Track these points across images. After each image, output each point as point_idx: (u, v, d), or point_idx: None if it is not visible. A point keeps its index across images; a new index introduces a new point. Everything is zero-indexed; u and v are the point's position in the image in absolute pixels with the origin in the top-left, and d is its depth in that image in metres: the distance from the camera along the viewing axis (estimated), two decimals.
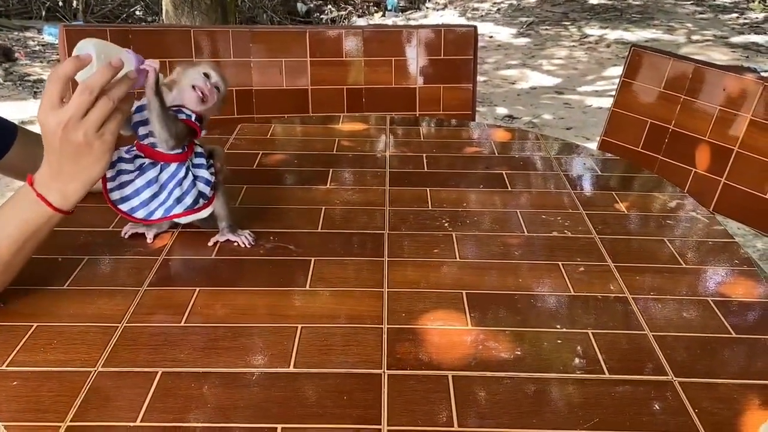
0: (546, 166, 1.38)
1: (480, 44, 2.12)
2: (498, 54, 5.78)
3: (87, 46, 0.82)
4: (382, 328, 0.84)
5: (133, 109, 0.93)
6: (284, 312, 0.87)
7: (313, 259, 0.99)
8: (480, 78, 4.53)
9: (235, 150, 1.43)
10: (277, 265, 0.98)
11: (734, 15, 7.09)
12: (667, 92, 1.69)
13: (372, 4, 7.34)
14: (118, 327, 0.83)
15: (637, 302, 0.91)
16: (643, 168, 1.47)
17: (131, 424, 0.68)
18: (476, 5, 7.78)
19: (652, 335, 0.84)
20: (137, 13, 6.52)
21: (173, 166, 0.97)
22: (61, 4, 6.43)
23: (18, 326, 0.82)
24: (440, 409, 0.71)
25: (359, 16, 7.11)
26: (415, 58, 1.90)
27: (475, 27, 1.93)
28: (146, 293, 0.90)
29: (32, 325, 0.82)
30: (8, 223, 0.83)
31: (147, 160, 0.96)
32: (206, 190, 0.99)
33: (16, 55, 5.17)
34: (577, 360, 0.79)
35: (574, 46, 6.04)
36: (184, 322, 0.84)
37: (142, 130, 0.95)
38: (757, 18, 6.95)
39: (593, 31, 6.54)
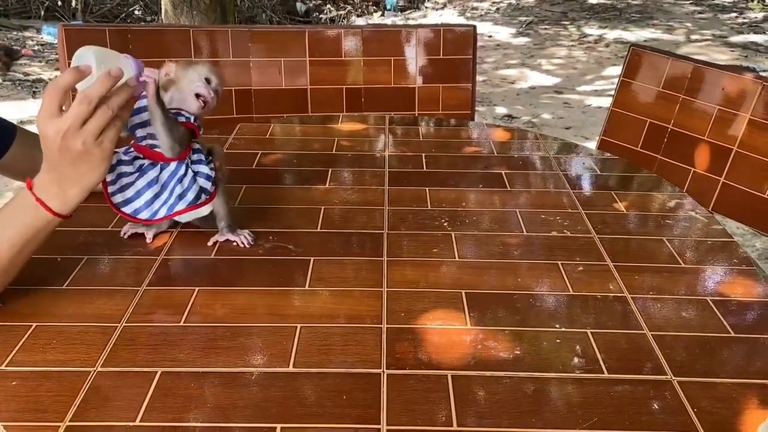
0: (545, 166, 1.38)
1: (479, 44, 2.12)
2: (497, 53, 5.78)
3: (86, 54, 0.81)
4: (381, 327, 0.84)
5: None
6: (283, 312, 0.87)
7: (312, 258, 0.99)
8: (479, 78, 4.54)
9: (234, 150, 1.43)
10: (277, 264, 0.98)
11: (733, 14, 7.10)
12: (666, 92, 1.69)
13: (371, 3, 7.34)
14: (117, 327, 0.83)
15: (636, 302, 0.91)
16: (642, 167, 1.47)
17: (130, 423, 0.68)
18: (475, 5, 7.78)
19: (651, 335, 0.84)
20: (136, 12, 6.51)
21: (173, 164, 0.97)
22: (60, 3, 6.43)
23: (17, 326, 0.82)
24: (439, 408, 0.71)
25: (358, 16, 7.11)
26: (414, 57, 1.90)
27: (474, 26, 1.93)
28: (145, 293, 0.90)
29: (31, 325, 0.82)
30: (7, 227, 0.83)
31: (146, 161, 0.97)
32: (207, 185, 0.99)
33: (23, 52, 5.14)
34: (576, 359, 0.79)
35: (573, 45, 6.04)
36: (184, 322, 0.84)
37: (140, 132, 0.96)
38: (756, 17, 6.96)
39: (592, 30, 6.55)
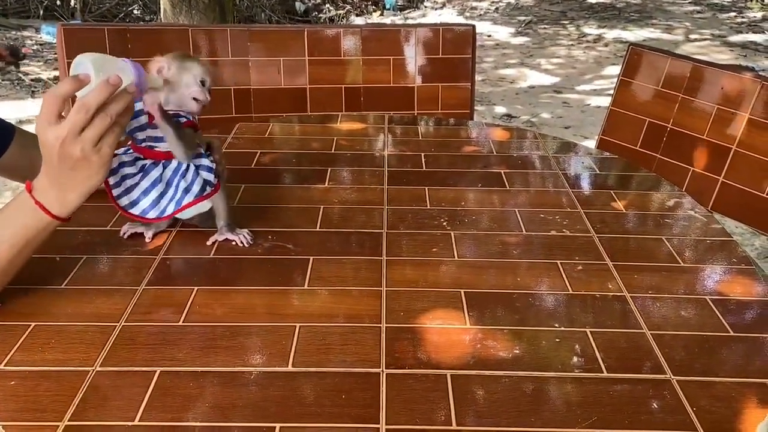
0: (544, 165, 1.38)
1: (478, 43, 2.12)
2: (496, 53, 5.78)
3: (84, 62, 0.81)
4: (380, 327, 0.84)
5: None
6: (282, 311, 0.87)
7: (311, 258, 0.99)
8: (478, 77, 4.53)
9: (234, 149, 1.42)
10: (276, 264, 0.98)
11: (732, 14, 7.10)
12: (666, 91, 1.69)
13: (370, 3, 7.34)
14: (116, 326, 0.83)
15: (635, 301, 0.91)
16: (642, 167, 1.47)
17: (129, 423, 0.68)
18: (474, 4, 7.78)
19: (650, 334, 0.84)
20: (135, 12, 6.51)
21: (174, 161, 0.98)
22: (58, 3, 6.42)
23: (16, 326, 0.82)
24: (438, 408, 0.71)
25: (357, 15, 7.11)
26: (413, 57, 1.90)
27: (473, 26, 1.93)
28: (144, 292, 0.90)
29: (30, 325, 0.82)
30: (6, 228, 0.84)
31: (148, 161, 0.97)
32: (210, 177, 1.00)
33: (23, 51, 5.13)
34: (575, 359, 0.79)
35: (572, 45, 6.04)
36: (183, 322, 0.84)
37: (140, 135, 0.96)
38: (755, 17, 6.96)
39: (591, 30, 6.55)
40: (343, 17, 6.92)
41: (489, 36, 6.34)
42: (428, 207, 1.17)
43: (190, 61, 0.97)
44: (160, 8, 4.41)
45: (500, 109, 4.36)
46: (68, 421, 0.68)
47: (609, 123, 1.81)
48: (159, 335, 0.81)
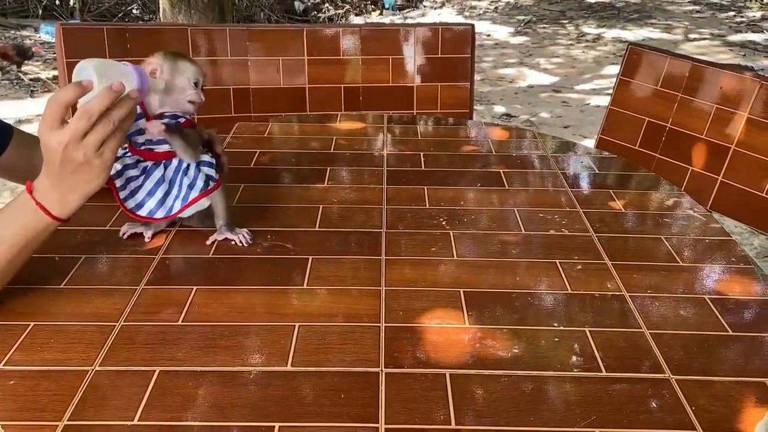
0: (543, 165, 1.38)
1: (477, 43, 2.12)
2: (495, 52, 5.78)
3: (86, 68, 0.81)
4: (379, 326, 0.84)
5: None
6: (282, 311, 0.87)
7: (310, 257, 0.99)
8: (477, 76, 4.53)
9: (233, 149, 1.42)
10: (275, 263, 0.98)
11: (731, 13, 7.10)
12: (665, 90, 1.69)
13: (369, 2, 7.33)
14: (115, 326, 0.83)
15: (634, 300, 0.91)
16: (641, 166, 1.47)
17: (129, 422, 0.68)
18: (474, 3, 7.78)
19: (649, 333, 0.84)
20: (134, 11, 6.50)
21: (175, 160, 0.99)
22: (57, 2, 6.42)
23: (15, 325, 0.82)
24: (438, 407, 0.71)
25: (357, 15, 7.11)
26: (412, 56, 1.90)
27: (473, 25, 1.93)
28: (144, 292, 0.90)
29: (29, 324, 0.82)
30: (5, 229, 0.84)
31: (149, 162, 0.98)
32: (211, 172, 1.00)
33: (33, 50, 5.12)
34: (574, 358, 0.79)
35: (571, 44, 6.04)
36: (182, 321, 0.84)
37: (140, 139, 0.97)
38: (754, 16, 6.96)
39: (591, 29, 6.55)
40: (342, 17, 6.92)
41: (488, 35, 6.34)
42: (427, 206, 1.17)
43: (182, 61, 0.97)
44: (159, 8, 4.40)
45: (499, 109, 4.36)
46: (67, 420, 0.68)
47: (608, 122, 1.81)
48: (158, 335, 0.81)
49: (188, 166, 0.99)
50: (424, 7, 7.62)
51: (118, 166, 0.96)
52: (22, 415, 0.68)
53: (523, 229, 1.10)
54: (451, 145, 1.49)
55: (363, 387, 0.73)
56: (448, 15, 7.31)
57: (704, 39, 6.15)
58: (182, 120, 0.98)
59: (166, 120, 0.97)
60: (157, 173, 0.98)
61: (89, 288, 0.90)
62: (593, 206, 1.19)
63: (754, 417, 0.70)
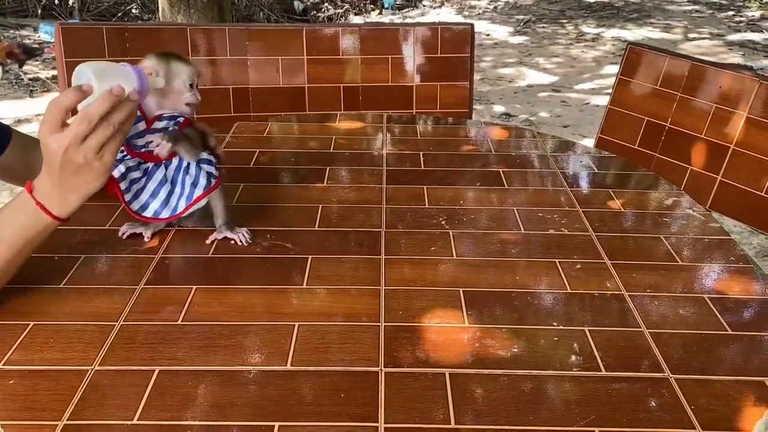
0: (543, 164, 1.38)
1: (476, 42, 2.12)
2: (495, 52, 5.78)
3: (85, 71, 0.81)
4: (379, 326, 0.84)
5: None
6: (281, 310, 0.87)
7: (310, 257, 0.99)
8: (477, 76, 4.53)
9: (232, 148, 1.42)
10: (274, 263, 0.98)
11: (731, 13, 7.10)
12: (664, 90, 1.69)
13: (369, 2, 7.33)
14: (114, 325, 0.83)
15: (633, 299, 0.91)
16: (640, 165, 1.47)
17: (128, 422, 0.68)
18: (473, 3, 7.78)
19: (649, 332, 0.84)
20: (133, 11, 6.50)
21: (175, 160, 0.99)
22: (56, 2, 6.41)
23: (15, 325, 0.82)
24: (437, 406, 0.71)
25: (356, 14, 7.11)
26: (411, 56, 1.90)
27: (472, 25, 1.93)
28: (143, 291, 0.90)
29: (29, 324, 0.82)
30: (5, 229, 0.84)
31: (150, 164, 0.98)
32: (212, 169, 1.01)
33: (47, 50, 5.10)
34: (573, 357, 0.79)
35: (570, 44, 6.04)
36: (181, 321, 0.84)
37: (139, 141, 0.97)
38: (753, 16, 6.97)
39: (590, 29, 6.55)
40: (341, 16, 6.92)
41: (487, 35, 6.34)
42: (427, 206, 1.17)
43: (175, 63, 0.97)
44: (158, 7, 4.40)
45: (499, 108, 4.36)
46: (67, 420, 0.68)
47: (607, 122, 1.81)
48: (158, 334, 0.81)
49: (189, 164, 0.99)
50: (424, 6, 7.62)
51: (122, 168, 0.96)
52: (22, 415, 0.68)
53: (522, 228, 1.10)
54: (450, 144, 1.49)
55: (362, 386, 0.74)
56: (448, 14, 7.31)
57: (704, 38, 6.15)
58: (181, 120, 0.98)
59: (164, 122, 0.97)
60: (159, 174, 0.99)
61: (89, 287, 0.90)
62: (592, 206, 1.19)
63: (753, 416, 0.70)
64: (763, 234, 1.63)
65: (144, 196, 0.99)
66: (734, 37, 6.16)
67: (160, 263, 0.97)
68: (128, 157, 0.98)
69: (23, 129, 1.12)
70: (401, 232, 1.07)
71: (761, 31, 6.34)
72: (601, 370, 0.77)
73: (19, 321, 0.83)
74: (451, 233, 1.07)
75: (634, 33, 6.35)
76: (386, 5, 7.32)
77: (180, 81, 0.97)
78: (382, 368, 0.76)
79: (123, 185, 0.97)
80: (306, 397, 0.72)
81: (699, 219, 1.16)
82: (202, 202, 1.00)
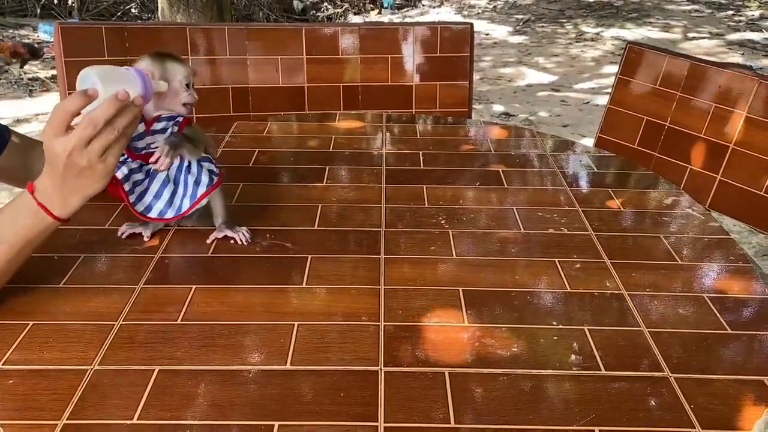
0: (542, 164, 1.38)
1: (476, 42, 2.12)
2: (494, 52, 5.78)
3: (90, 75, 0.81)
4: (378, 325, 0.84)
5: None
6: (281, 309, 0.87)
7: (309, 256, 0.99)
8: (476, 76, 4.53)
9: (232, 148, 1.42)
10: (274, 262, 0.98)
11: (730, 12, 7.10)
12: (663, 89, 1.69)
13: (368, 1, 7.33)
14: (114, 325, 0.83)
15: (633, 299, 0.91)
16: (639, 165, 1.47)
17: (128, 421, 0.68)
18: (472, 2, 7.78)
19: (648, 332, 0.84)
20: (133, 10, 6.50)
21: (176, 160, 0.99)
22: (55, 1, 6.41)
23: (14, 324, 0.82)
24: (437, 406, 0.71)
25: (355, 14, 7.11)
26: (411, 55, 1.90)
27: (471, 24, 1.93)
28: (143, 291, 0.90)
29: (28, 323, 0.82)
30: (6, 229, 0.84)
31: (152, 165, 0.98)
32: (212, 166, 1.02)
33: (45, 50, 5.10)
34: (573, 356, 0.79)
35: (570, 43, 6.04)
36: (181, 320, 0.84)
37: (140, 144, 0.97)
38: (753, 15, 6.97)
39: (589, 28, 6.55)
40: (341, 16, 6.92)
41: (487, 35, 6.34)
42: (426, 205, 1.17)
43: (170, 63, 0.97)
44: (157, 7, 4.40)
45: (498, 108, 4.36)
46: (66, 419, 0.68)
47: (607, 121, 1.81)
48: (157, 334, 0.81)
49: (190, 163, 1.00)
50: (423, 6, 7.62)
51: (125, 170, 0.96)
52: (22, 415, 0.68)
53: (522, 227, 1.10)
54: (450, 144, 1.49)
55: (362, 386, 0.74)
56: (447, 14, 7.31)
57: (703, 38, 6.15)
58: (180, 119, 0.98)
59: (163, 123, 0.97)
60: (161, 175, 0.99)
61: (88, 287, 0.90)
62: (592, 205, 1.19)
63: (753, 415, 0.70)
64: (763, 233, 1.63)
65: (148, 198, 0.99)
66: (734, 36, 6.16)
67: (160, 263, 0.97)
68: (129, 160, 0.98)
69: (22, 129, 1.12)
70: (401, 232, 1.07)
71: (761, 31, 6.34)
72: (600, 370, 0.77)
73: (19, 320, 0.83)
74: (450, 233, 1.07)
75: (634, 32, 6.35)
76: (385, 5, 7.32)
77: (176, 82, 0.97)
78: (382, 367, 0.76)
79: (126, 186, 0.97)
80: (306, 396, 0.72)
81: (698, 218, 1.16)
82: (205, 201, 1.01)
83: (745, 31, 6.37)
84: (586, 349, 0.81)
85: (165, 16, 4.11)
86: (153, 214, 1.00)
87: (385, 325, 0.84)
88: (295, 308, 0.87)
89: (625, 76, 1.76)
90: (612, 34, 6.31)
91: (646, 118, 1.72)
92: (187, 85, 0.98)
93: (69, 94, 1.66)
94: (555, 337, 0.83)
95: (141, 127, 0.96)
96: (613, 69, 2.04)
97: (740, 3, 7.47)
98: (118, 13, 6.39)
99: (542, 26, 6.69)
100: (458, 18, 7.06)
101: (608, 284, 0.94)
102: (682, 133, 1.65)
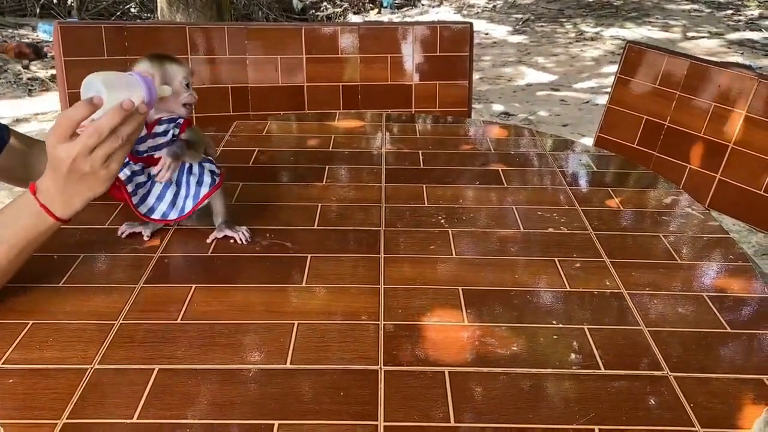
0: (542, 163, 1.38)
1: (475, 41, 2.12)
2: (494, 51, 5.78)
3: (94, 82, 0.81)
4: (378, 324, 0.84)
5: None
6: (281, 309, 0.87)
7: (309, 255, 0.99)
8: (476, 75, 4.53)
9: (231, 147, 1.42)
10: (274, 262, 0.98)
11: (729, 12, 7.11)
12: (663, 89, 1.69)
13: (368, 1, 7.33)
14: (114, 324, 0.83)
15: (632, 298, 0.91)
16: (639, 164, 1.47)
17: (128, 421, 0.68)
18: (472, 2, 7.77)
19: (648, 331, 0.84)
20: (132, 10, 6.50)
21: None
22: (55, 1, 6.41)
23: (14, 324, 0.82)
24: (437, 405, 0.71)
25: (355, 13, 7.10)
26: (410, 54, 1.90)
27: (471, 24, 1.93)
28: (142, 290, 0.90)
29: (28, 323, 0.82)
30: (6, 230, 0.84)
31: (154, 167, 0.98)
32: (213, 167, 1.02)
33: (46, 49, 5.11)
34: (573, 355, 0.79)
35: (570, 43, 6.04)
36: (181, 319, 0.84)
37: (141, 147, 0.97)
38: (753, 15, 6.97)
39: (589, 28, 6.55)
40: (340, 15, 6.92)
41: (486, 34, 6.34)
42: (426, 205, 1.17)
43: (169, 65, 0.96)
44: (157, 6, 4.40)
45: (498, 107, 4.36)
46: (66, 419, 0.68)
47: (606, 121, 1.81)
48: (157, 333, 0.81)
49: (191, 164, 1.00)
50: (422, 5, 7.62)
51: (127, 171, 0.97)
52: (21, 414, 0.68)
53: (521, 227, 1.10)
54: (449, 143, 1.49)
55: (362, 385, 0.74)
56: (447, 13, 7.31)
57: (703, 37, 6.15)
58: (181, 122, 0.98)
59: (164, 126, 0.97)
60: None
61: (88, 286, 0.90)
62: (592, 204, 1.19)
63: (753, 414, 0.70)
64: (762, 232, 1.63)
65: (151, 200, 1.00)
66: (733, 36, 6.17)
67: (160, 262, 0.97)
68: (131, 164, 0.98)
69: (22, 128, 1.12)
70: (400, 231, 1.07)
71: (760, 30, 6.34)
72: (600, 369, 0.77)
73: (19, 320, 0.83)
74: (450, 232, 1.07)
75: (633, 32, 6.35)
76: (385, 4, 7.32)
77: (177, 82, 0.97)
78: (382, 366, 0.76)
79: (129, 188, 0.97)
80: (305, 395, 0.72)
81: (698, 217, 1.16)
82: (206, 200, 1.01)
83: (744, 30, 6.37)
84: (585, 348, 0.81)
85: (164, 16, 4.11)
86: (156, 215, 1.00)
87: (384, 325, 0.84)
88: (295, 307, 0.87)
89: (625, 75, 1.76)
90: (611, 33, 6.31)
91: (645, 117, 1.72)
92: (187, 86, 0.98)
93: (68, 93, 1.66)
94: (555, 336, 0.83)
95: (142, 131, 0.96)
96: (613, 68, 2.04)
97: (740, 2, 7.47)
98: (118, 13, 6.39)
99: (542, 26, 6.69)
100: (458, 17, 7.06)
101: (608, 283, 0.94)
102: (681, 133, 1.65)
